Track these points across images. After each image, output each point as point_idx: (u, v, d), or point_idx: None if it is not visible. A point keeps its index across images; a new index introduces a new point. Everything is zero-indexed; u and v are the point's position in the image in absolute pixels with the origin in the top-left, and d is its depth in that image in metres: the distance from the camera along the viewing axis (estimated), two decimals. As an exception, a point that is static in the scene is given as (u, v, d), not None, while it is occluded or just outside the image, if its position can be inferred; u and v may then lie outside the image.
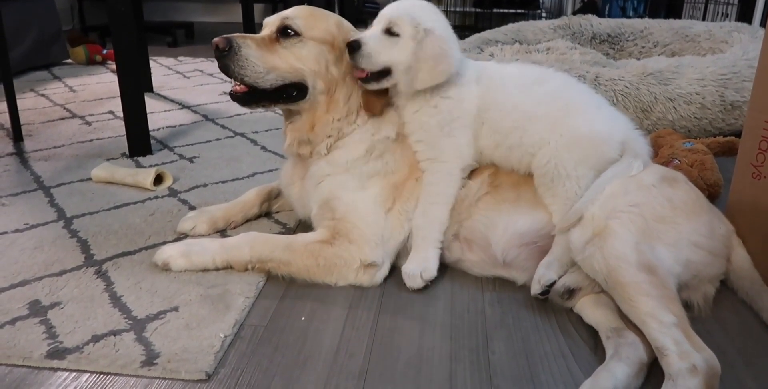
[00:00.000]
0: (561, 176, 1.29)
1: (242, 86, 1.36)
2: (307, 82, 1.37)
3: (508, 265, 1.36)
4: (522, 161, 1.35)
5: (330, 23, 1.39)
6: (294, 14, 1.37)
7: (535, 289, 1.27)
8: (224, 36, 1.33)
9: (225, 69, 1.33)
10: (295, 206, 1.56)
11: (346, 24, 1.43)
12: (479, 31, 3.46)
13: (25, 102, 2.81)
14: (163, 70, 3.62)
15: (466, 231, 1.39)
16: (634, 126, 1.38)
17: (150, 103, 2.13)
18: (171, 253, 1.37)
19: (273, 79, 1.35)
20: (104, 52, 3.77)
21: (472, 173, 1.41)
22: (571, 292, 1.25)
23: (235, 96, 1.38)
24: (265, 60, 1.33)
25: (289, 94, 1.38)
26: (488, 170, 1.41)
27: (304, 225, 1.57)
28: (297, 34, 1.36)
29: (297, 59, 1.36)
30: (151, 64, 3.30)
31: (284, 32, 1.36)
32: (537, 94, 1.36)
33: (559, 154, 1.30)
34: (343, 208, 1.38)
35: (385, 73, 1.33)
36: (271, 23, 1.39)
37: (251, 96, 1.37)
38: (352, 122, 1.41)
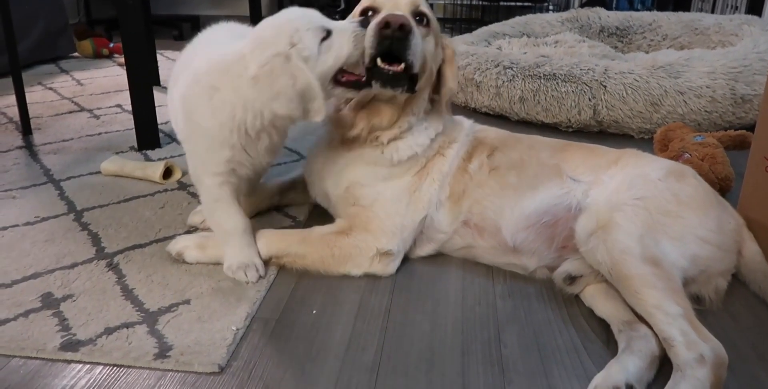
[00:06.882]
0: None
1: (401, 66, 1.25)
2: (418, 75, 1.32)
3: (518, 250, 1.36)
4: None
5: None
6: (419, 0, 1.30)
7: None
8: (401, 15, 1.23)
9: (398, 50, 1.23)
10: (312, 177, 1.51)
11: None
12: (486, 25, 3.44)
13: (33, 95, 2.81)
14: (170, 63, 3.60)
15: (477, 218, 1.39)
16: None
17: (158, 96, 2.12)
18: (186, 244, 1.37)
19: (418, 67, 1.29)
20: (111, 45, 3.77)
21: (471, 155, 1.43)
22: (572, 279, 1.27)
23: (389, 75, 1.25)
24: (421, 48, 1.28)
25: (413, 84, 1.32)
26: (485, 151, 1.44)
27: (315, 219, 1.57)
28: (428, 24, 1.31)
29: (427, 52, 1.32)
30: (158, 57, 3.29)
31: (417, 19, 1.29)
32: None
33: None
34: (371, 197, 1.37)
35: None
36: (394, 3, 1.30)
37: (406, 77, 1.28)
38: (420, 119, 1.39)
